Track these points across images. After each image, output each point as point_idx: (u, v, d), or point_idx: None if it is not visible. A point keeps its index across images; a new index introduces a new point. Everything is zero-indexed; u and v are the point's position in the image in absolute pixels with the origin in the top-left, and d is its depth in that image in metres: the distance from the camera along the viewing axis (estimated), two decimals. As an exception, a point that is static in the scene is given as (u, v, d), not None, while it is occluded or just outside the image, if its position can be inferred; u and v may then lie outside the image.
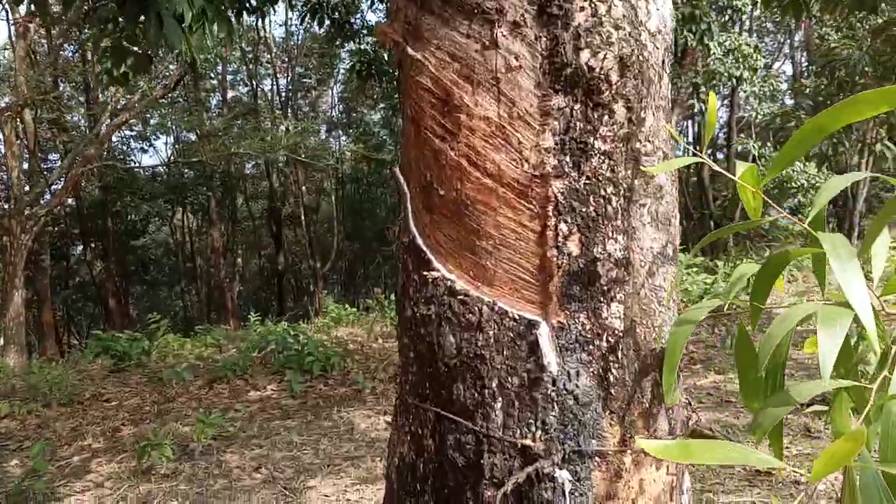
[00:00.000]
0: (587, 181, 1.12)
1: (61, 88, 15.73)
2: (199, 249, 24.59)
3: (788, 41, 21.48)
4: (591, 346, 1.14)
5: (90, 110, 15.35)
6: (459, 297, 1.15)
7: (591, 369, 1.14)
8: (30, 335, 14.33)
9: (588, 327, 1.14)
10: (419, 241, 1.23)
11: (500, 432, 1.13)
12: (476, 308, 1.14)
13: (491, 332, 1.13)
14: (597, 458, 1.13)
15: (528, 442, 1.11)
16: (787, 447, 4.29)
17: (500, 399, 1.14)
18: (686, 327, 1.11)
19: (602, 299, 1.14)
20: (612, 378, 1.15)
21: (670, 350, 1.11)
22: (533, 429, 1.12)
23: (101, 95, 15.32)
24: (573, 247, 1.13)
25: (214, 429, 5.32)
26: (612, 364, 1.15)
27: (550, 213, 1.12)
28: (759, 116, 15.65)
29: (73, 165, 11.62)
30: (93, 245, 20.57)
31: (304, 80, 23.09)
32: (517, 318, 1.13)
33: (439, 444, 1.22)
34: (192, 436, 5.22)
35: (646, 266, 1.18)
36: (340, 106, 25.26)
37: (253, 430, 5.55)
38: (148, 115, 19.33)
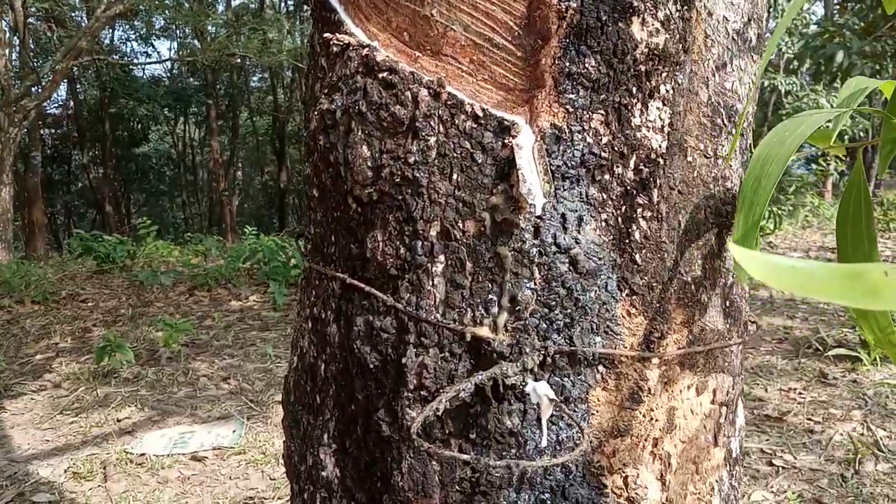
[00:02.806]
0: None
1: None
2: (201, 163, 24.11)
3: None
4: (606, 174, 0.65)
5: (88, 2, 14.61)
6: (382, 74, 0.64)
7: (605, 214, 0.65)
8: (19, 235, 14.05)
9: (605, 140, 0.64)
10: (329, -7, 0.72)
11: (439, 314, 0.65)
12: (409, 94, 0.63)
13: (432, 139, 0.63)
14: (601, 368, 0.65)
15: (483, 332, 0.63)
16: (800, 393, 3.93)
17: (441, 257, 0.65)
18: (783, 150, 0.61)
19: (635, 90, 0.63)
20: (638, 234, 0.66)
21: (751, 188, 0.62)
22: (494, 310, 0.64)
23: (99, -11, 14.53)
24: (590, -19, 0.61)
25: (186, 335, 5.00)
26: (640, 209, 0.65)
27: (553, -88, 0.60)
28: (789, 51, 14.74)
29: (65, 59, 10.96)
30: (91, 150, 20.11)
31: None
32: (480, 113, 0.63)
33: (345, 332, 0.74)
34: (162, 341, 4.90)
35: (715, 49, 0.67)
36: (353, 20, 24.01)
37: (227, 340, 5.22)
38: (153, 19, 18.47)
